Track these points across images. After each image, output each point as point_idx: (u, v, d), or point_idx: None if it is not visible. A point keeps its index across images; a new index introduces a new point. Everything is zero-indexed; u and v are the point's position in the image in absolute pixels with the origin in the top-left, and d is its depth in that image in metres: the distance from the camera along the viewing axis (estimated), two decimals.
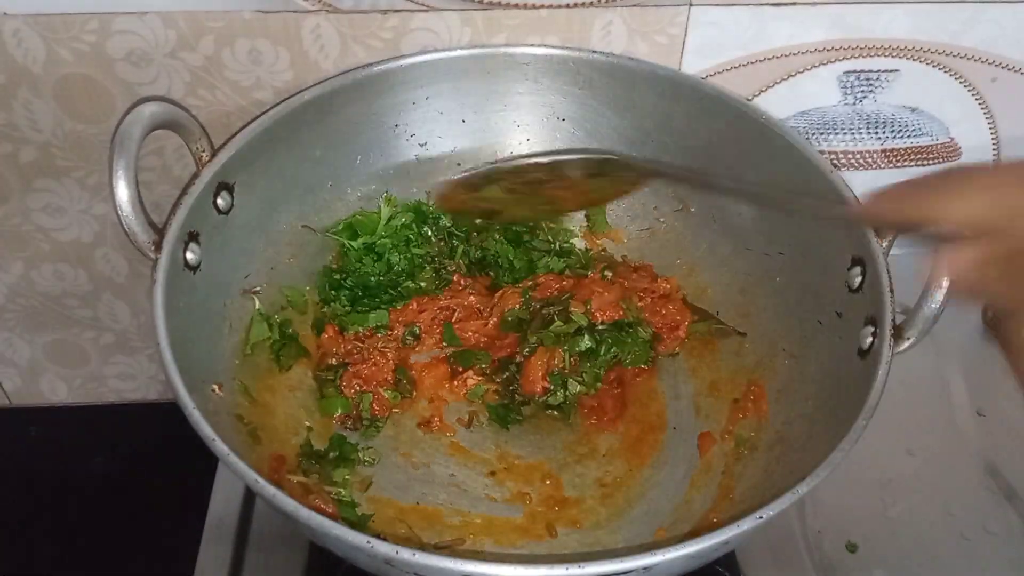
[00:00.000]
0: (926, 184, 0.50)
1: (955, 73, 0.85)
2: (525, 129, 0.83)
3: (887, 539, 0.75)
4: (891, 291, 0.63)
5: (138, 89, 0.78)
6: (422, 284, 0.81)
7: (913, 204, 0.50)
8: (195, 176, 0.67)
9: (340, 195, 0.80)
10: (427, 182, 0.83)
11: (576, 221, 0.87)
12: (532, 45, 0.78)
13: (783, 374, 0.74)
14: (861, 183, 0.76)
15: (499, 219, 0.79)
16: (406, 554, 0.50)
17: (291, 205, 0.77)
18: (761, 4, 0.78)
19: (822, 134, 0.88)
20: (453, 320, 0.80)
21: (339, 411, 0.75)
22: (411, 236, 0.81)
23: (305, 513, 0.52)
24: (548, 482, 0.73)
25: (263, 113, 0.71)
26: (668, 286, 0.81)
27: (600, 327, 0.77)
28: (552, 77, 0.80)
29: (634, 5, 0.77)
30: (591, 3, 0.77)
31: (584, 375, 0.76)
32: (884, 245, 0.66)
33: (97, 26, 0.74)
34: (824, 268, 0.71)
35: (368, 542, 0.50)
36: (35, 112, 0.79)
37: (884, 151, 0.90)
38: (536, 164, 0.66)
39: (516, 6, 0.77)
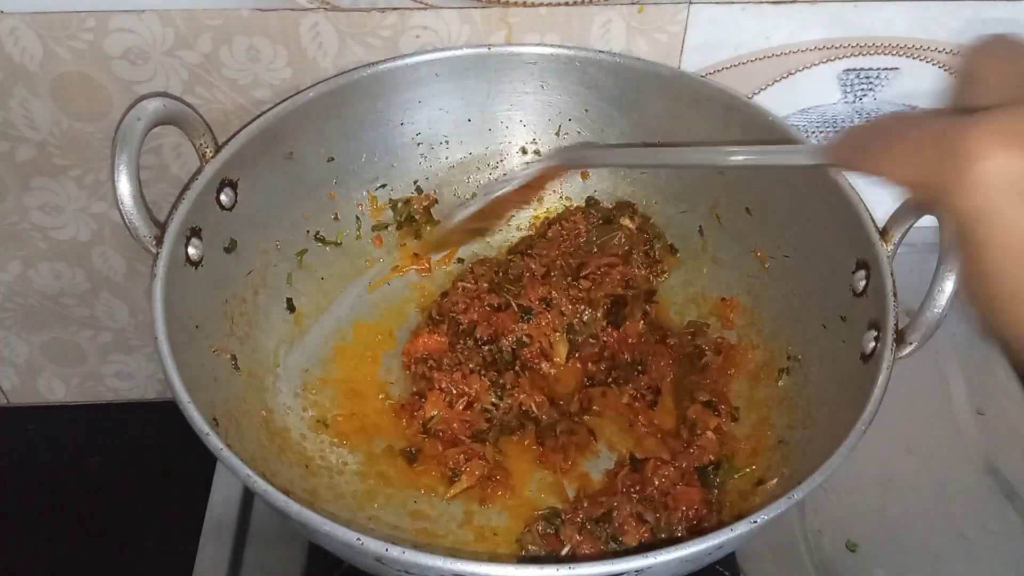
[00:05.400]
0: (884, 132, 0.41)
1: (954, 71, 0.84)
2: (531, 128, 0.83)
3: (887, 539, 0.75)
4: (894, 296, 0.62)
5: (135, 87, 0.78)
6: None
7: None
8: (198, 171, 0.67)
9: (345, 192, 0.80)
10: (431, 182, 0.83)
11: None
12: (538, 45, 0.78)
13: (786, 377, 0.73)
14: (860, 182, 0.75)
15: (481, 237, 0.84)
16: (395, 552, 0.49)
17: (296, 202, 0.77)
18: (760, 2, 0.78)
19: (822, 132, 0.88)
20: None
21: None
22: None
23: (296, 508, 0.51)
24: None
25: (268, 110, 0.71)
26: None
27: None
28: (558, 77, 0.79)
29: (633, 3, 0.77)
30: (591, 1, 0.76)
31: None
32: (889, 249, 0.65)
33: (94, 24, 0.74)
34: (829, 271, 0.70)
35: (358, 539, 0.50)
36: (32, 110, 0.79)
37: None
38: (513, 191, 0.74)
39: (515, 4, 0.76)
